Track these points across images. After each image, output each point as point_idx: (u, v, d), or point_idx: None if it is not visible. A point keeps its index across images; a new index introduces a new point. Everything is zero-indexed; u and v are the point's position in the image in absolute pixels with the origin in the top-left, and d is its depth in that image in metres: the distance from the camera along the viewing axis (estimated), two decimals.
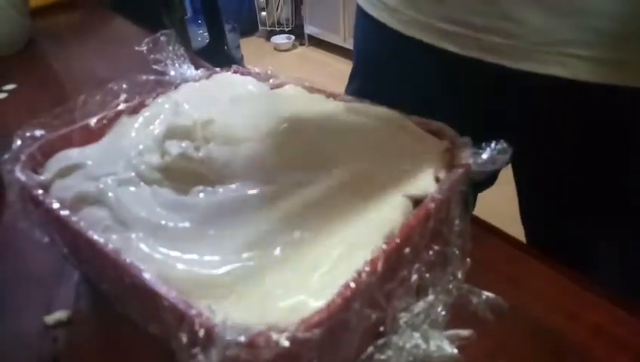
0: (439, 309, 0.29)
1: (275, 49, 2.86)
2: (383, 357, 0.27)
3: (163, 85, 0.40)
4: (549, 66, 0.37)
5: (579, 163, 0.43)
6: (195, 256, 0.24)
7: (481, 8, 0.38)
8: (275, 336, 0.19)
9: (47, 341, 0.31)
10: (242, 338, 0.19)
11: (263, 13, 2.87)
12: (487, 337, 0.29)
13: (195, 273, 0.23)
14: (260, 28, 2.95)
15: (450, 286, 0.30)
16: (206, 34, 1.70)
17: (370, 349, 0.27)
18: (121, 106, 0.37)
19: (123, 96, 0.37)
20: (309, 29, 2.77)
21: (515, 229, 0.45)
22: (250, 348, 0.19)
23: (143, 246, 0.25)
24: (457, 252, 0.30)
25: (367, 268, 0.23)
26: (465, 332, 0.29)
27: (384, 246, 0.24)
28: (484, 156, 0.29)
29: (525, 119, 0.44)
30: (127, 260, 0.23)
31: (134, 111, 0.37)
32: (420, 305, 0.28)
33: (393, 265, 0.25)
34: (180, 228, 0.26)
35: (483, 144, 0.30)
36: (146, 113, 0.36)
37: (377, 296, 0.24)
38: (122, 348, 0.31)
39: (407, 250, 0.25)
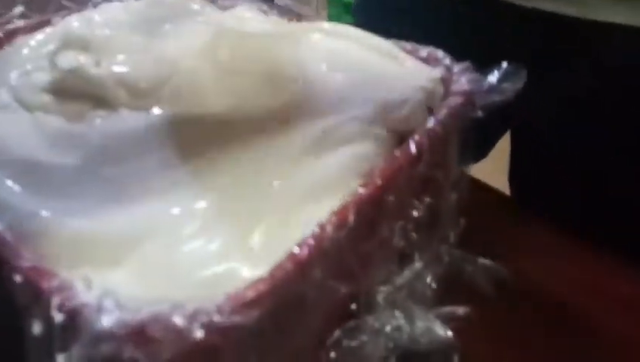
0: (428, 280, 0.22)
1: None
2: (353, 343, 0.20)
3: (78, 3, 0.31)
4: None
5: (581, 116, 0.38)
6: (77, 205, 0.16)
7: None
8: (180, 322, 0.12)
9: None
10: (123, 326, 0.11)
11: None
12: (487, 314, 0.22)
13: (74, 228, 0.15)
14: None
15: (441, 251, 0.24)
16: None
17: (337, 334, 0.20)
18: (18, 23, 0.28)
19: (19, 9, 0.29)
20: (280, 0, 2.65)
21: None
22: (139, 341, 0.12)
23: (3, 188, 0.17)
24: (451, 208, 0.23)
25: (333, 219, 0.15)
26: (460, 310, 0.22)
27: (359, 190, 0.17)
28: (491, 79, 0.22)
29: (532, 57, 0.38)
30: None
31: (33, 30, 0.28)
32: (404, 276, 0.21)
33: (370, 218, 0.17)
34: (63, 165, 0.18)
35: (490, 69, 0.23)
36: (48, 30, 0.27)
37: (348, 261, 0.17)
38: None
39: (390, 198, 0.18)
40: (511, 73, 0.23)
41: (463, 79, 0.23)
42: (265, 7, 0.33)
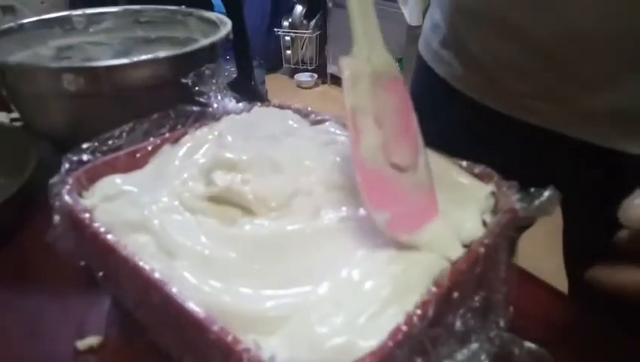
0: (482, 358, 0.28)
1: (297, 86, 2.92)
2: None
3: (206, 117, 0.41)
4: None
5: None
6: (241, 290, 0.24)
7: None
8: None
9: None
10: None
11: (288, 52, 2.95)
12: None
13: (242, 307, 0.23)
14: (284, 65, 3.03)
15: (493, 334, 0.29)
16: (233, 69, 1.75)
17: None
18: (165, 135, 0.38)
19: (168, 126, 0.38)
20: (332, 69, 2.83)
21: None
22: None
23: (188, 276, 0.24)
24: (501, 299, 0.29)
25: (418, 312, 0.22)
26: None
27: (434, 290, 0.23)
28: (535, 203, 0.29)
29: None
30: (174, 289, 0.23)
31: (177, 140, 0.38)
32: (463, 353, 0.27)
33: (442, 310, 0.24)
34: (226, 259, 0.25)
35: (532, 189, 0.29)
36: (189, 143, 0.37)
37: (424, 341, 0.24)
38: None
39: (455, 294, 0.25)
40: (551, 196, 0.29)
41: (512, 197, 0.30)
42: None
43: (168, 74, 0.44)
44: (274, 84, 2.79)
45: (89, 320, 0.34)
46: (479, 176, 0.33)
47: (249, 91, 1.65)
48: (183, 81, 0.41)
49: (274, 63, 2.98)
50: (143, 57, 0.42)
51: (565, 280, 0.53)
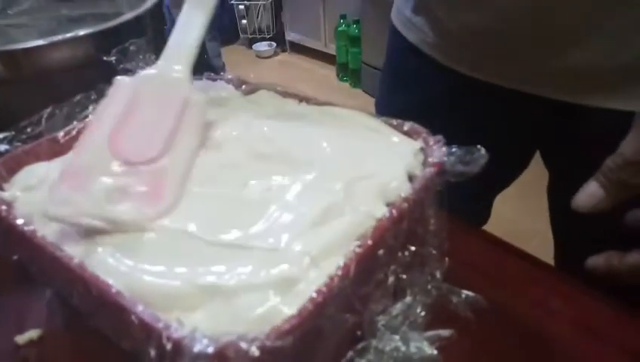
0: (418, 310, 0.29)
1: (256, 56, 2.86)
2: (363, 361, 0.27)
3: None
4: None
5: None
6: (163, 268, 0.23)
7: None
8: (244, 346, 0.19)
9: (17, 361, 0.31)
10: (211, 350, 0.18)
11: (244, 21, 2.86)
12: (467, 336, 0.29)
13: (163, 285, 0.22)
14: (241, 36, 2.95)
15: (429, 286, 0.30)
16: None
17: (350, 354, 0.27)
18: (90, 118, 0.36)
19: (91, 108, 0.37)
20: (290, 36, 2.78)
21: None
22: (220, 359, 0.18)
23: (109, 259, 0.24)
24: (434, 252, 0.30)
25: (339, 273, 0.22)
26: (445, 333, 0.28)
27: (357, 250, 0.23)
28: (458, 153, 0.29)
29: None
30: (93, 274, 0.22)
31: None
32: (398, 307, 0.28)
33: (367, 268, 0.24)
34: (149, 239, 0.25)
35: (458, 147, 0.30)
36: None
37: (353, 300, 0.24)
38: None
39: (380, 251, 0.25)
40: (474, 150, 0.29)
41: (436, 152, 0.30)
42: (279, 87, 0.41)
43: (91, 52, 0.42)
44: (232, 56, 2.72)
45: (29, 313, 0.34)
46: (408, 133, 0.33)
47: (203, 66, 1.61)
48: (106, 59, 0.39)
49: (230, 35, 2.89)
50: (60, 37, 0.40)
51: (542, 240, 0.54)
